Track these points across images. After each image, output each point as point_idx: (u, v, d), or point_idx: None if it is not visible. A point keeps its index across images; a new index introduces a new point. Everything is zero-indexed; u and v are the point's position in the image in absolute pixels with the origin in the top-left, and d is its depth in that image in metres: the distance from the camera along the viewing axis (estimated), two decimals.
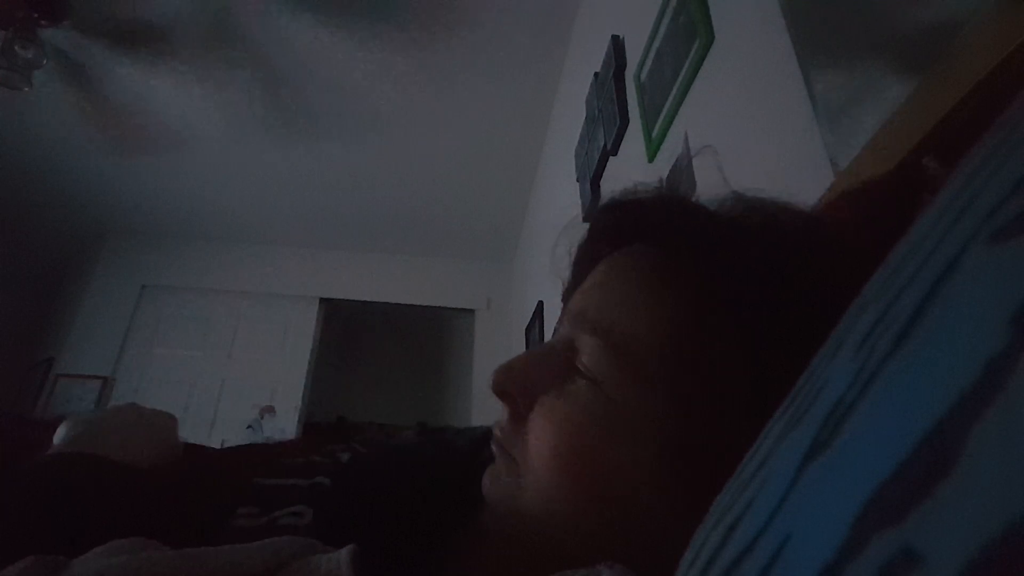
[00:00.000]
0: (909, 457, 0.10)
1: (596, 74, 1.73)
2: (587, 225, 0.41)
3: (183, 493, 0.40)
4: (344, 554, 0.28)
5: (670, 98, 1.19)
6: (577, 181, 1.96)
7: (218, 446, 0.56)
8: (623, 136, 1.54)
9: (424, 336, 4.57)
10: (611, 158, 1.63)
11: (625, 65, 1.55)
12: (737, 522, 0.15)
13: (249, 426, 3.18)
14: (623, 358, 0.31)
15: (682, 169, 1.12)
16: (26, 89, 2.15)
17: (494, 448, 0.35)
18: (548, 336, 2.12)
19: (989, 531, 0.08)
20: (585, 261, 0.39)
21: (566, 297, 0.39)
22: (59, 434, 0.44)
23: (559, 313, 0.38)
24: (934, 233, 0.14)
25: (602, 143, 1.65)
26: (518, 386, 0.34)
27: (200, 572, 0.26)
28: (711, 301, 0.31)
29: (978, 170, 0.14)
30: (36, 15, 2.02)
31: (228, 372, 3.33)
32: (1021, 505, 0.07)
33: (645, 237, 0.35)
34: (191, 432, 3.05)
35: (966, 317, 0.10)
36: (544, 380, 0.33)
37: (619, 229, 0.37)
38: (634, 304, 0.32)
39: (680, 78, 1.14)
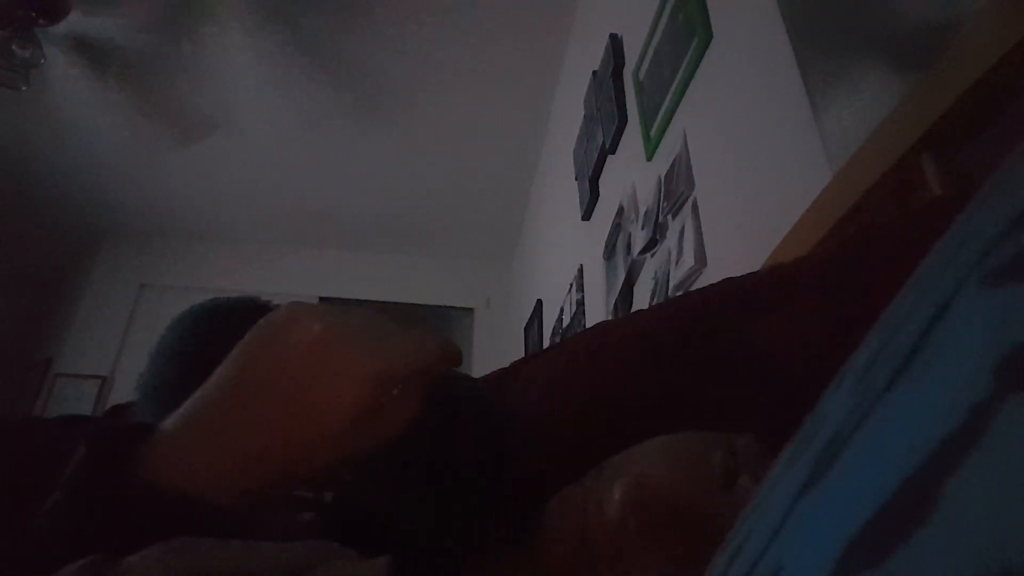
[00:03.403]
0: (891, 500, 0.10)
1: (595, 73, 1.73)
2: None
3: None
4: (381, 563, 0.27)
5: (668, 97, 1.18)
6: (576, 180, 1.96)
7: None
8: (622, 135, 1.54)
9: None
10: (609, 157, 1.63)
11: (624, 64, 1.54)
12: (739, 550, 0.16)
13: None
14: None
15: (681, 168, 1.12)
16: (24, 88, 2.15)
17: None
18: (548, 336, 2.08)
19: None
20: None
21: None
22: None
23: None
24: (935, 267, 0.14)
25: (601, 142, 1.64)
26: None
27: (253, 569, 0.26)
28: None
29: (980, 203, 0.14)
30: (35, 14, 2.01)
31: None
32: (996, 555, 0.07)
33: None
34: None
35: (954, 361, 0.10)
36: None
37: None
38: None
39: (678, 77, 1.14)
